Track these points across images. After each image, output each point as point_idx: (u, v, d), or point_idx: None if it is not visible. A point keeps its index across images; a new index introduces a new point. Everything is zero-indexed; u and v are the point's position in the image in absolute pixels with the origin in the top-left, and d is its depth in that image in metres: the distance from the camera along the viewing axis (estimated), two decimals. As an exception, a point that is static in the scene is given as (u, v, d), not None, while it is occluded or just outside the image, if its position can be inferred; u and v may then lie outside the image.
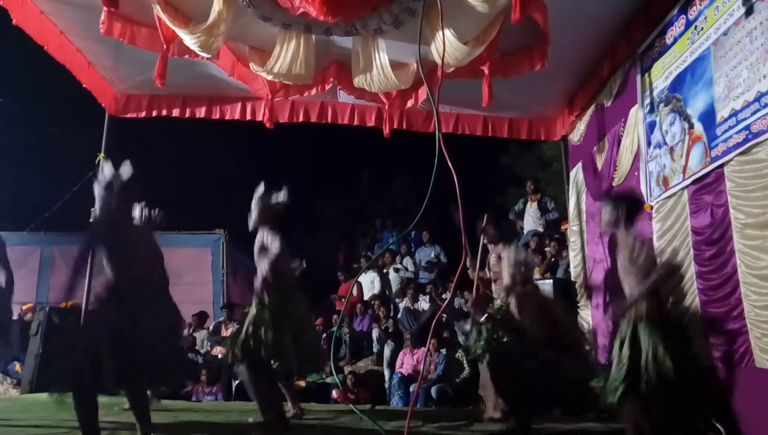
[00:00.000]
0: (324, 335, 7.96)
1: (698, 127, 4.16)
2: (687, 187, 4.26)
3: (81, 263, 3.53)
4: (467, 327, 4.67)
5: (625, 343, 3.25)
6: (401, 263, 9.20)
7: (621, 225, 3.46)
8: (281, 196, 4.39)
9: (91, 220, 3.71)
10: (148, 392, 3.75)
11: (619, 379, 3.19)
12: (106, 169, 3.56)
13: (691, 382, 3.14)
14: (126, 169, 3.56)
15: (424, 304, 8.22)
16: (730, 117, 3.76)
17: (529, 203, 8.44)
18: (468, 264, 4.98)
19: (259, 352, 3.99)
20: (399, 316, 8.08)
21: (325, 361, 5.59)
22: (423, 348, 6.89)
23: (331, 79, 5.74)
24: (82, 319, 3.43)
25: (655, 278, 3.28)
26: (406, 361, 7.03)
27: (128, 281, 3.39)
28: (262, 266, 4.15)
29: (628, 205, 3.54)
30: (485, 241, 4.93)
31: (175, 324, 3.64)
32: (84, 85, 5.99)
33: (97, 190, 3.54)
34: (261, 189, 4.38)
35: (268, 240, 4.18)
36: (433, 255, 9.09)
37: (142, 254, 3.57)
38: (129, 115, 6.59)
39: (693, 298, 4.10)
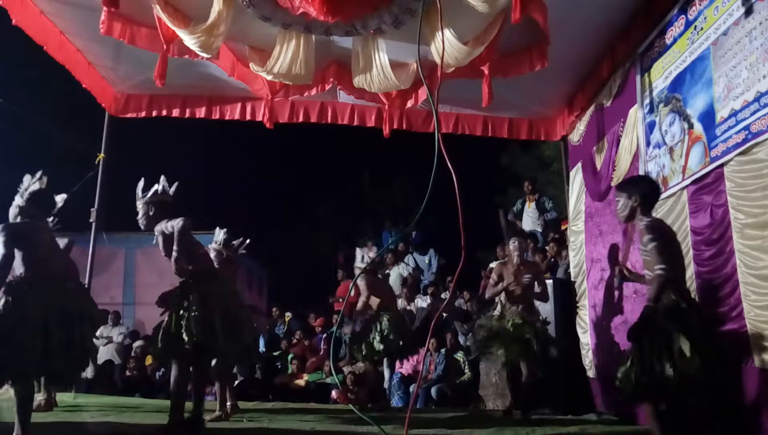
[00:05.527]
0: (324, 335, 7.98)
1: (698, 127, 4.17)
2: (686, 187, 4.26)
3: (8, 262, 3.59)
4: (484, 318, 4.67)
5: (646, 333, 3.28)
6: (404, 260, 9.22)
7: (637, 213, 3.56)
8: (161, 187, 4.27)
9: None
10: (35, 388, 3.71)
11: (635, 371, 3.23)
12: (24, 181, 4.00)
13: (712, 372, 3.13)
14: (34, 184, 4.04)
15: (422, 303, 8.23)
16: (729, 117, 3.76)
17: (527, 203, 8.46)
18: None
19: (184, 341, 3.72)
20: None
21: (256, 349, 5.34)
22: (423, 348, 6.90)
23: (331, 79, 5.74)
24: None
25: (669, 265, 3.33)
26: (406, 361, 7.03)
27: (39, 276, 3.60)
28: (174, 250, 3.96)
29: (645, 192, 3.61)
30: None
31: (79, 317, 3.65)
32: (84, 85, 5.97)
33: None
34: (141, 185, 4.27)
35: (168, 225, 4.04)
36: (426, 261, 9.17)
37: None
38: (129, 115, 6.58)
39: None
